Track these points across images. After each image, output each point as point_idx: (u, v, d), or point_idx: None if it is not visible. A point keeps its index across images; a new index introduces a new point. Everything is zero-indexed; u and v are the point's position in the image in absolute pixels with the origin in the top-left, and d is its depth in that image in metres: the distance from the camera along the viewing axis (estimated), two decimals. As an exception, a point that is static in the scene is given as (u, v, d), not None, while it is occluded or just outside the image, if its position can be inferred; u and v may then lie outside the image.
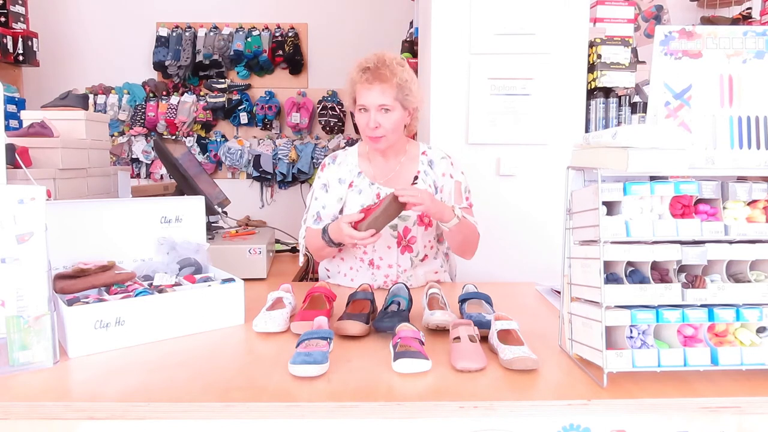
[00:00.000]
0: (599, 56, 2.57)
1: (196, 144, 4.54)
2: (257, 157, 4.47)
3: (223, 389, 1.04)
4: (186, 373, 1.11)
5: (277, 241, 2.48)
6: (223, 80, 4.51)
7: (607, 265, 1.05)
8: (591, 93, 2.63)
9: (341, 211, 1.82)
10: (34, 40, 4.04)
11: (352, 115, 4.47)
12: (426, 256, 1.85)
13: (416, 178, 1.81)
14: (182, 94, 4.47)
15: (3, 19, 3.84)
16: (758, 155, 1.06)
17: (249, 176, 4.58)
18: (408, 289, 1.53)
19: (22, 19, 3.98)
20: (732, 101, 1.10)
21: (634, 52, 2.70)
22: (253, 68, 4.54)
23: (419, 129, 2.79)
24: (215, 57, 4.41)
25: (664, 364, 1.03)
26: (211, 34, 4.43)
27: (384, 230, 1.72)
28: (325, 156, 2.09)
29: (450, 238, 1.78)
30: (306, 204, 1.93)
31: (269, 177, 4.52)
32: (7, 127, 3.12)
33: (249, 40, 4.38)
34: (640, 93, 2.68)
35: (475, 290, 1.52)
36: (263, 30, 4.46)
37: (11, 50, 3.84)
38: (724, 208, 1.06)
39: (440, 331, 1.33)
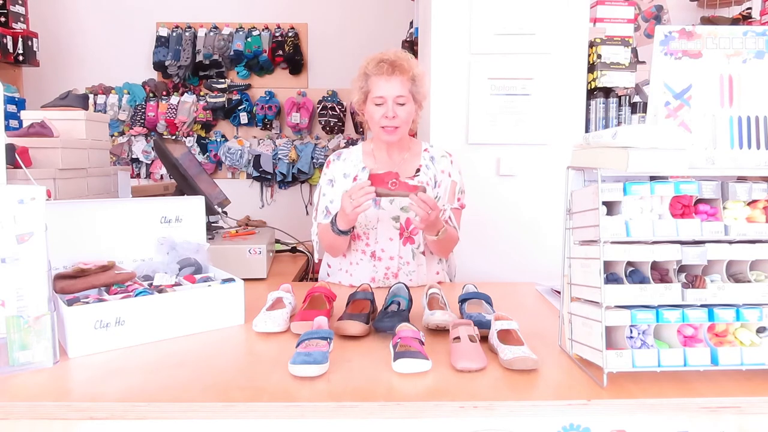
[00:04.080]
0: (599, 56, 2.57)
1: (196, 144, 4.54)
2: (257, 157, 4.47)
3: (223, 389, 1.04)
4: (186, 373, 1.11)
5: (277, 241, 2.48)
6: (223, 80, 4.52)
7: (607, 265, 1.05)
8: (591, 93, 2.63)
9: None
10: (34, 40, 4.04)
11: (352, 114, 4.44)
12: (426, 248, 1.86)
13: (418, 170, 1.85)
14: (182, 94, 4.47)
15: (3, 19, 3.84)
16: (758, 155, 1.06)
17: (249, 176, 4.58)
18: (408, 289, 1.53)
19: (22, 19, 3.98)
20: (732, 101, 1.10)
21: (634, 52, 2.71)
22: (253, 68, 4.54)
23: (420, 128, 2.79)
24: (215, 57, 4.41)
25: (664, 364, 1.02)
26: (211, 34, 4.43)
27: (387, 222, 1.80)
28: (326, 156, 2.11)
29: (428, 240, 1.82)
30: (312, 203, 1.94)
31: (269, 177, 4.52)
32: (7, 127, 3.12)
33: (249, 40, 4.38)
34: (640, 93, 2.68)
35: (475, 290, 1.52)
36: (263, 30, 4.46)
37: (11, 50, 3.84)
38: (724, 208, 1.06)
39: (440, 331, 1.33)
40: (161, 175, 4.52)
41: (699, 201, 1.08)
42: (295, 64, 4.50)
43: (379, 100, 1.74)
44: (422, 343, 1.16)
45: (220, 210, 2.34)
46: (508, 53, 2.51)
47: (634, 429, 1.02)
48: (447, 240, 1.79)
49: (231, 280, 1.45)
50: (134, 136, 4.51)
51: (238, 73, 4.52)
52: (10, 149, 1.89)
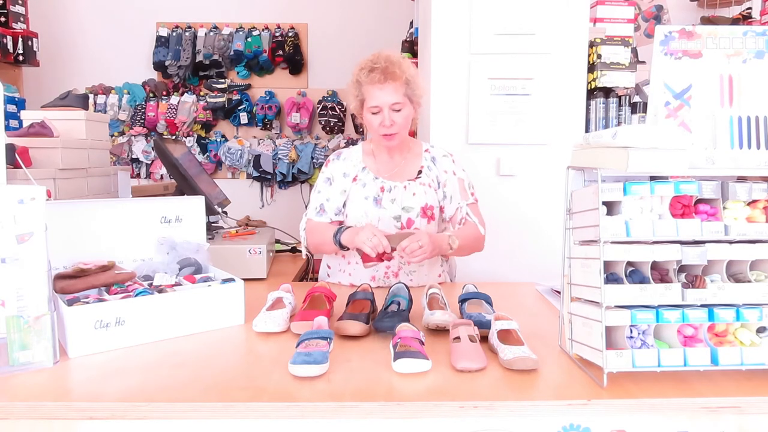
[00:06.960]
0: (599, 56, 2.57)
1: (196, 144, 4.54)
2: (257, 157, 4.47)
3: (224, 389, 1.04)
4: (186, 373, 1.11)
5: (277, 241, 2.48)
6: (223, 80, 4.52)
7: (607, 265, 1.05)
8: (591, 93, 2.63)
9: (344, 205, 1.84)
10: (34, 40, 4.04)
11: (353, 116, 4.42)
12: None
13: (420, 172, 1.83)
14: (182, 94, 4.47)
15: (3, 19, 3.84)
16: (758, 155, 1.06)
17: (249, 176, 4.58)
18: (408, 289, 1.53)
19: (22, 19, 3.98)
20: (732, 101, 1.10)
21: (634, 52, 2.71)
22: (253, 68, 4.54)
23: (419, 129, 2.79)
24: (215, 57, 4.42)
25: (664, 364, 1.03)
26: (211, 34, 4.43)
27: (388, 221, 1.80)
28: (326, 156, 2.10)
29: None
30: (309, 201, 1.94)
31: (269, 177, 4.53)
32: (7, 127, 3.12)
33: (249, 40, 4.39)
34: (640, 93, 2.68)
35: (475, 290, 1.52)
36: (263, 30, 4.46)
37: (11, 50, 3.84)
38: (724, 208, 1.06)
39: (440, 331, 1.33)
40: (161, 175, 4.52)
41: (699, 201, 1.08)
42: (295, 64, 4.50)
43: (375, 109, 1.72)
44: (422, 343, 1.16)
45: (220, 210, 2.34)
46: (508, 53, 2.51)
47: (634, 429, 1.02)
48: (470, 242, 1.78)
49: (231, 280, 1.45)
50: (134, 136, 4.51)
51: (238, 73, 4.52)
52: (10, 149, 1.89)
